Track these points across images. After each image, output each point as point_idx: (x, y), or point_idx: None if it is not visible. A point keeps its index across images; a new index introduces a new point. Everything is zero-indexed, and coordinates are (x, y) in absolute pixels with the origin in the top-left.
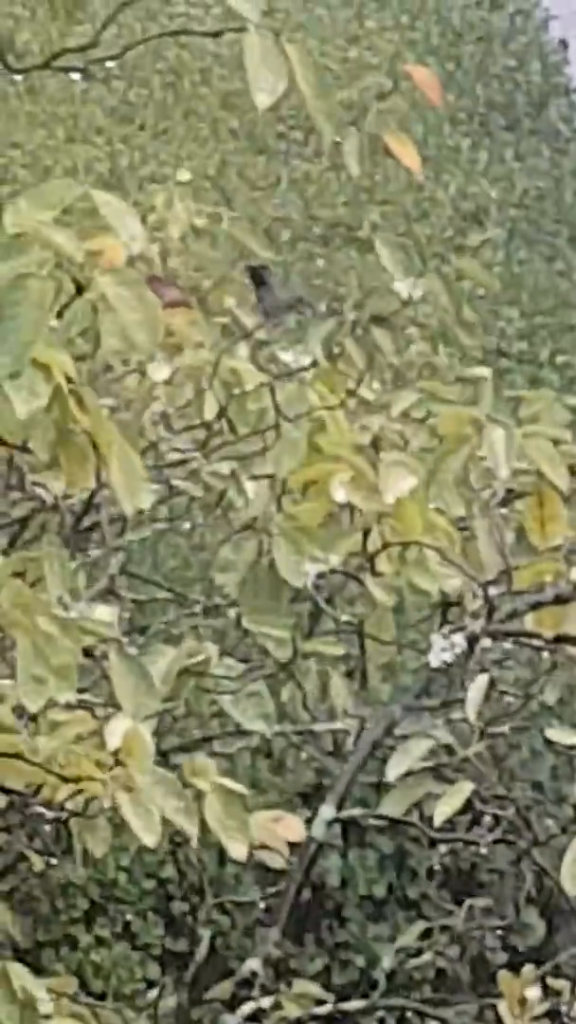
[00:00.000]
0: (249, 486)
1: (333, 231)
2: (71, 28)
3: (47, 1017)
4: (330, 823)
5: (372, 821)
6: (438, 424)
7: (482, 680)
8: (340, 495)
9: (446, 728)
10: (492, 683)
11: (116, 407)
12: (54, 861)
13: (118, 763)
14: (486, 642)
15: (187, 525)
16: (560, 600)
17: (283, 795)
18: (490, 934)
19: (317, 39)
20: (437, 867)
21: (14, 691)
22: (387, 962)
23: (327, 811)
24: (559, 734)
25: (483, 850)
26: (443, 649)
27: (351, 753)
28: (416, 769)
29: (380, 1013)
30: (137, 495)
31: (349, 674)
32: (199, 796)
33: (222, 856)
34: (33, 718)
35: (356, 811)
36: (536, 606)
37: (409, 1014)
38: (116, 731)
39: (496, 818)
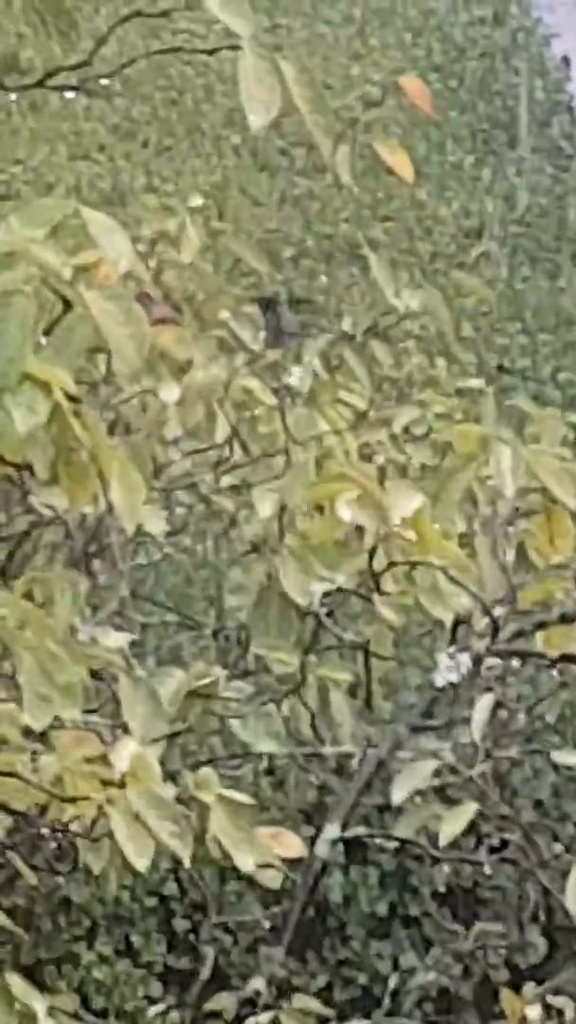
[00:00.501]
0: (262, 506)
1: (335, 248)
2: (76, 45)
3: None
4: (334, 842)
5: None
6: (453, 442)
7: (487, 700)
8: (346, 514)
9: (446, 745)
10: (498, 703)
11: (127, 428)
12: (60, 880)
13: (124, 784)
14: (490, 661)
15: (188, 541)
16: (566, 619)
17: (285, 812)
18: (492, 952)
19: (319, 56)
20: (442, 888)
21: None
22: (392, 981)
23: (332, 830)
24: (565, 756)
25: (486, 869)
26: (449, 669)
27: (356, 772)
28: (422, 789)
29: None
30: (138, 514)
31: (351, 691)
32: (204, 809)
33: (223, 874)
34: (41, 738)
35: (361, 830)
36: (541, 625)
37: None
38: (123, 754)
39: (501, 839)
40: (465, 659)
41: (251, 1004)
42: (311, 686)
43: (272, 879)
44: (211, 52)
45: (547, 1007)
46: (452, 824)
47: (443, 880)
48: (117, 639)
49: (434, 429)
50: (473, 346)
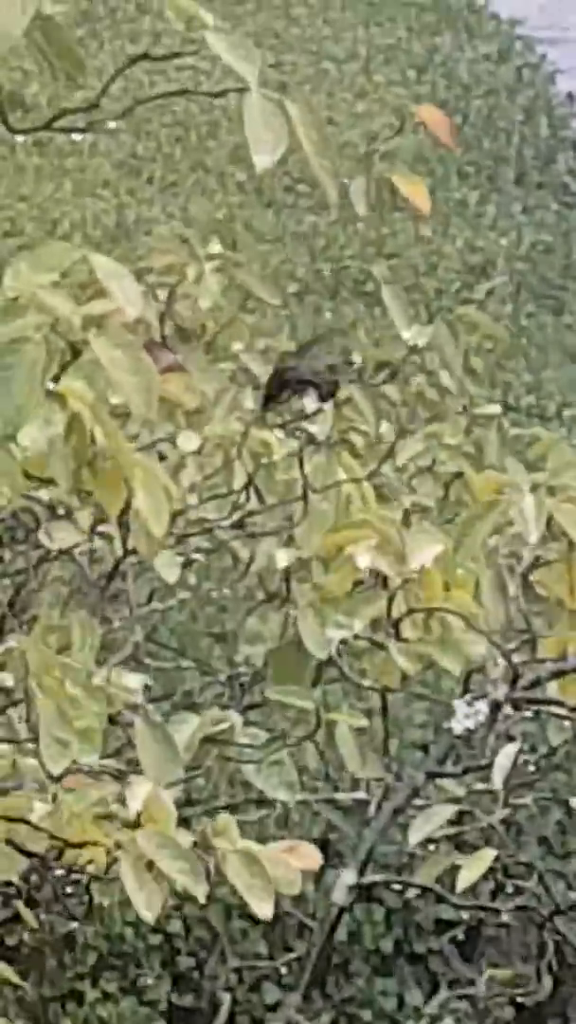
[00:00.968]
0: (278, 555)
1: (340, 284)
2: (83, 82)
3: None
4: (352, 888)
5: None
6: (467, 487)
7: (510, 750)
8: (365, 561)
9: (460, 791)
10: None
11: None
12: (74, 924)
13: (139, 825)
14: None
15: (193, 580)
16: None
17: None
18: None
19: (324, 92)
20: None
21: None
22: None
23: (349, 877)
24: None
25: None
26: (466, 716)
27: (372, 819)
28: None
29: None
30: (164, 519)
31: (357, 729)
32: (222, 857)
33: (228, 911)
34: (57, 781)
35: (378, 877)
36: (558, 674)
37: None
38: (138, 795)
39: (518, 888)
40: (483, 706)
41: None
42: (328, 727)
43: (290, 884)
44: (218, 95)
45: None
46: (470, 871)
47: (452, 919)
48: (132, 683)
49: (439, 461)
50: (478, 383)
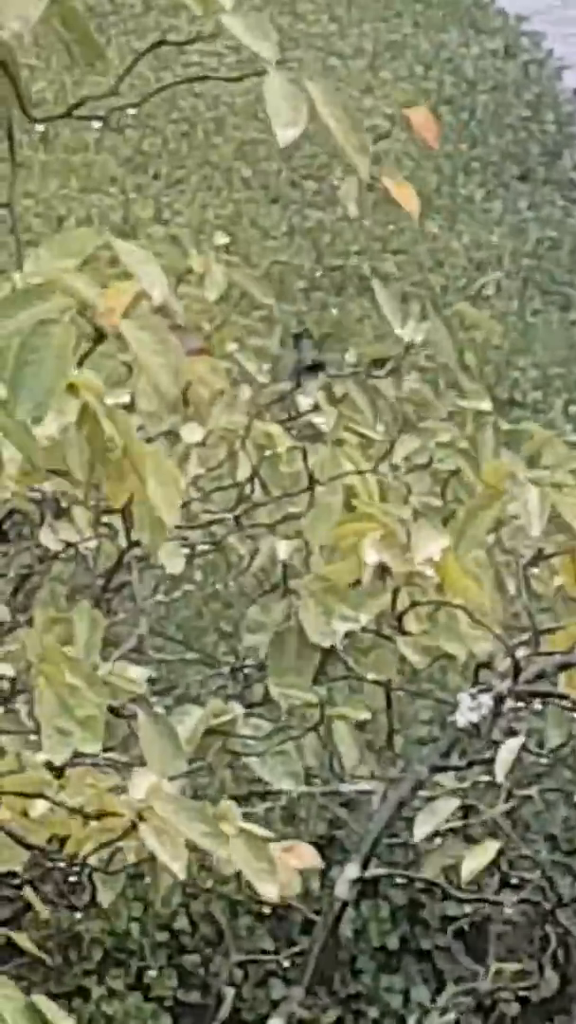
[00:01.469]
0: (280, 546)
1: (346, 280)
2: (85, 77)
3: None
4: (354, 883)
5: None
6: (477, 478)
7: (515, 743)
8: (372, 556)
9: (464, 784)
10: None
11: None
12: (71, 913)
13: (140, 818)
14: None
15: (199, 576)
16: None
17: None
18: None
19: (330, 83)
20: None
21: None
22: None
23: (352, 871)
24: None
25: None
26: (470, 709)
27: (376, 812)
28: (441, 828)
29: None
30: (176, 508)
31: (360, 725)
32: (227, 841)
33: (234, 908)
34: (59, 774)
35: (382, 871)
36: (564, 667)
37: None
38: (141, 784)
39: (522, 879)
40: (487, 700)
41: None
42: (328, 722)
43: (289, 886)
44: (235, 79)
45: None
46: (473, 862)
47: (458, 915)
48: (136, 674)
49: (436, 459)
50: (482, 379)
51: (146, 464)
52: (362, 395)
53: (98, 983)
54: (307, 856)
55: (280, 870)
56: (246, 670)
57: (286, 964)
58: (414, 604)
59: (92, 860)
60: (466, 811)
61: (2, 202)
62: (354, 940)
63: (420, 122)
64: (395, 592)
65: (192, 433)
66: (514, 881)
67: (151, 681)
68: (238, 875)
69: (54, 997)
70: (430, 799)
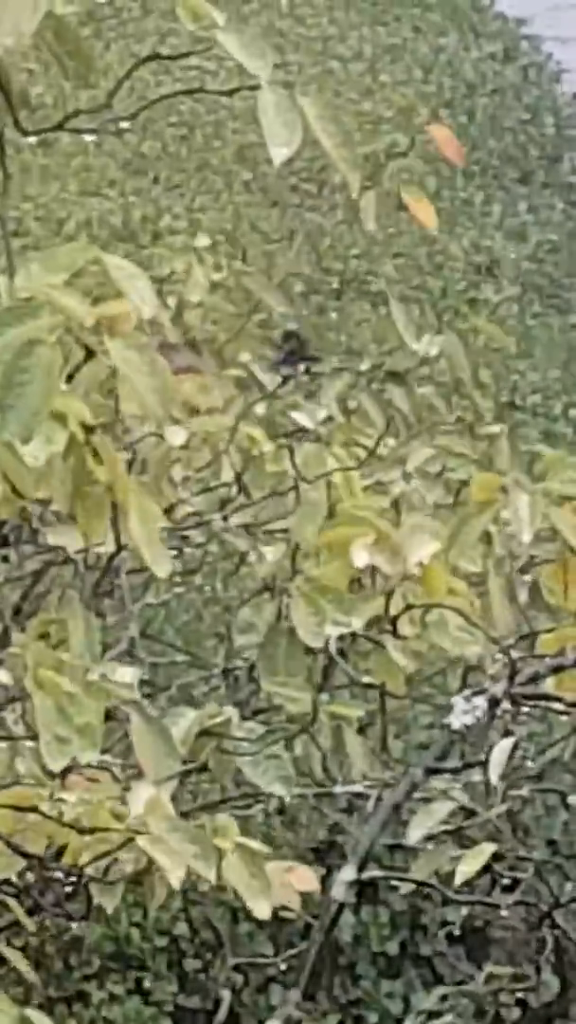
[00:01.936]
0: (267, 547)
1: (346, 284)
2: (90, 86)
3: None
4: (350, 884)
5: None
6: (470, 489)
7: (506, 744)
8: (362, 559)
9: (461, 786)
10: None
11: (136, 469)
12: (74, 926)
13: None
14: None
15: (199, 580)
16: None
17: (296, 851)
18: (505, 992)
19: (330, 92)
20: (457, 931)
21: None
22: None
23: (348, 873)
24: None
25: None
26: (464, 711)
27: (371, 815)
28: (436, 831)
29: None
30: (156, 546)
31: (362, 729)
32: (220, 855)
33: (235, 913)
34: (60, 778)
35: (377, 873)
36: (558, 669)
37: None
38: (140, 797)
39: (515, 879)
40: (481, 702)
41: None
42: (322, 724)
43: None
44: (230, 92)
45: None
46: (468, 865)
47: (457, 920)
48: (128, 677)
49: (448, 468)
50: (486, 390)
51: (131, 502)
52: (374, 406)
53: (98, 988)
54: (306, 878)
55: (280, 890)
56: (237, 671)
57: (286, 969)
58: (408, 607)
59: (89, 870)
60: (466, 815)
61: None
62: (354, 946)
63: (442, 139)
64: (388, 596)
65: (176, 435)
66: (511, 884)
67: (145, 683)
68: None
69: (54, 1002)
70: (426, 801)
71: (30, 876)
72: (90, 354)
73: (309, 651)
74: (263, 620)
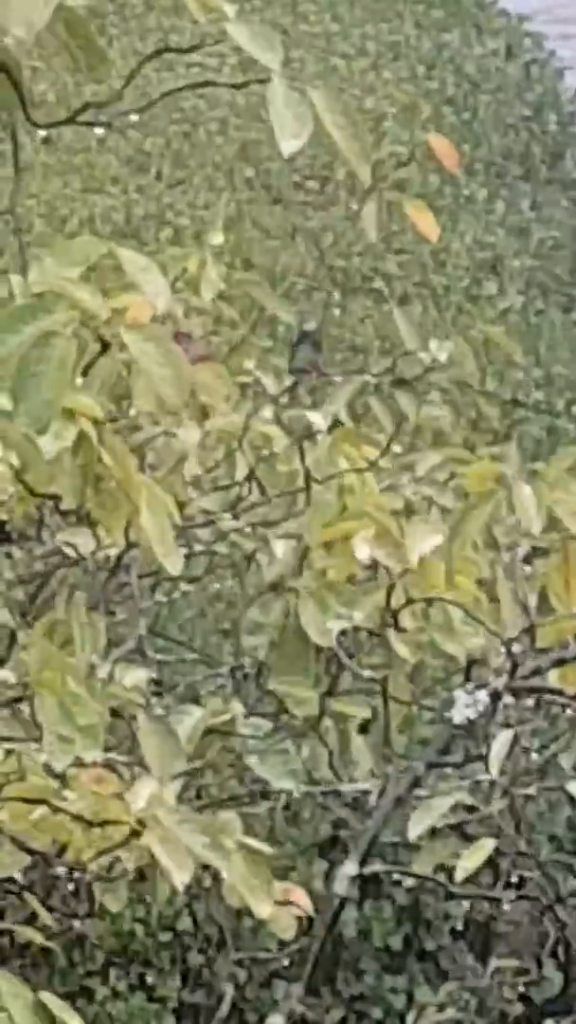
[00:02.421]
0: (277, 545)
1: (348, 280)
2: (88, 79)
3: None
4: (353, 879)
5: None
6: (465, 481)
7: (505, 737)
8: (363, 552)
9: (463, 782)
10: (515, 738)
11: (150, 466)
12: (77, 924)
13: (141, 824)
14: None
15: (206, 578)
16: None
17: (300, 847)
18: (508, 987)
19: (333, 89)
20: (460, 926)
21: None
22: (410, 1019)
23: (350, 867)
24: None
25: (505, 906)
26: (467, 705)
27: (374, 809)
28: (439, 825)
29: None
30: (168, 541)
31: (364, 727)
32: (226, 855)
33: (239, 909)
34: (59, 778)
35: (379, 867)
36: (559, 663)
37: None
38: (142, 793)
39: (520, 876)
40: (483, 696)
41: None
42: (328, 724)
43: (284, 929)
44: (239, 86)
45: None
46: (469, 860)
47: (460, 915)
48: (135, 677)
49: (456, 475)
50: (492, 398)
51: (141, 495)
52: (384, 411)
53: (102, 983)
54: (302, 902)
55: (279, 915)
56: (245, 670)
57: (289, 964)
58: (410, 601)
59: (92, 867)
60: (468, 810)
61: (6, 206)
62: (358, 941)
63: (441, 149)
64: (390, 589)
65: (190, 434)
66: (515, 879)
67: (158, 683)
68: None
69: (59, 998)
70: (429, 797)
71: (32, 874)
72: (104, 349)
73: (317, 650)
74: (271, 620)
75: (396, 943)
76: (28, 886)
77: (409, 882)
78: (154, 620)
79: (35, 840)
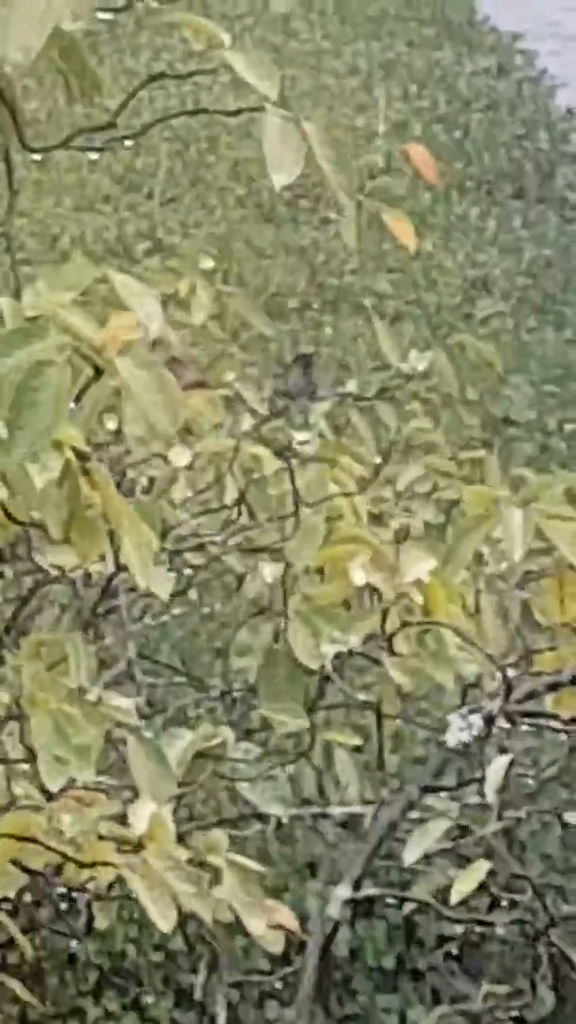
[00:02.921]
0: (265, 568)
1: (340, 299)
2: (94, 104)
3: None
4: (346, 902)
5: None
6: (463, 503)
7: (502, 761)
8: (360, 577)
9: (455, 805)
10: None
11: (138, 491)
12: (75, 944)
13: (140, 846)
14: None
15: (195, 597)
16: None
17: (292, 866)
18: (500, 1007)
19: (324, 107)
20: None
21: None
22: None
23: (343, 891)
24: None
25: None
26: (461, 729)
27: (367, 832)
28: (432, 849)
29: None
30: (150, 570)
31: (358, 747)
32: (215, 872)
33: (230, 929)
34: (52, 798)
35: (373, 891)
36: (554, 687)
37: None
38: (142, 816)
39: (511, 900)
40: (477, 719)
41: None
42: (318, 745)
43: (274, 943)
44: (234, 113)
45: None
46: (464, 883)
47: (453, 935)
48: (125, 700)
49: (439, 487)
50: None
51: (124, 526)
52: (365, 425)
53: (94, 1004)
54: (286, 919)
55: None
56: (235, 693)
57: (281, 986)
58: (404, 625)
59: (90, 887)
60: (464, 831)
61: None
62: (350, 960)
63: (419, 158)
64: (384, 613)
65: (180, 456)
66: (507, 902)
67: (149, 706)
68: None
69: (50, 1019)
70: (422, 820)
71: (26, 894)
72: (98, 373)
73: (308, 673)
74: (260, 642)
75: (389, 962)
76: (21, 905)
77: (400, 901)
78: (145, 641)
79: (30, 859)
